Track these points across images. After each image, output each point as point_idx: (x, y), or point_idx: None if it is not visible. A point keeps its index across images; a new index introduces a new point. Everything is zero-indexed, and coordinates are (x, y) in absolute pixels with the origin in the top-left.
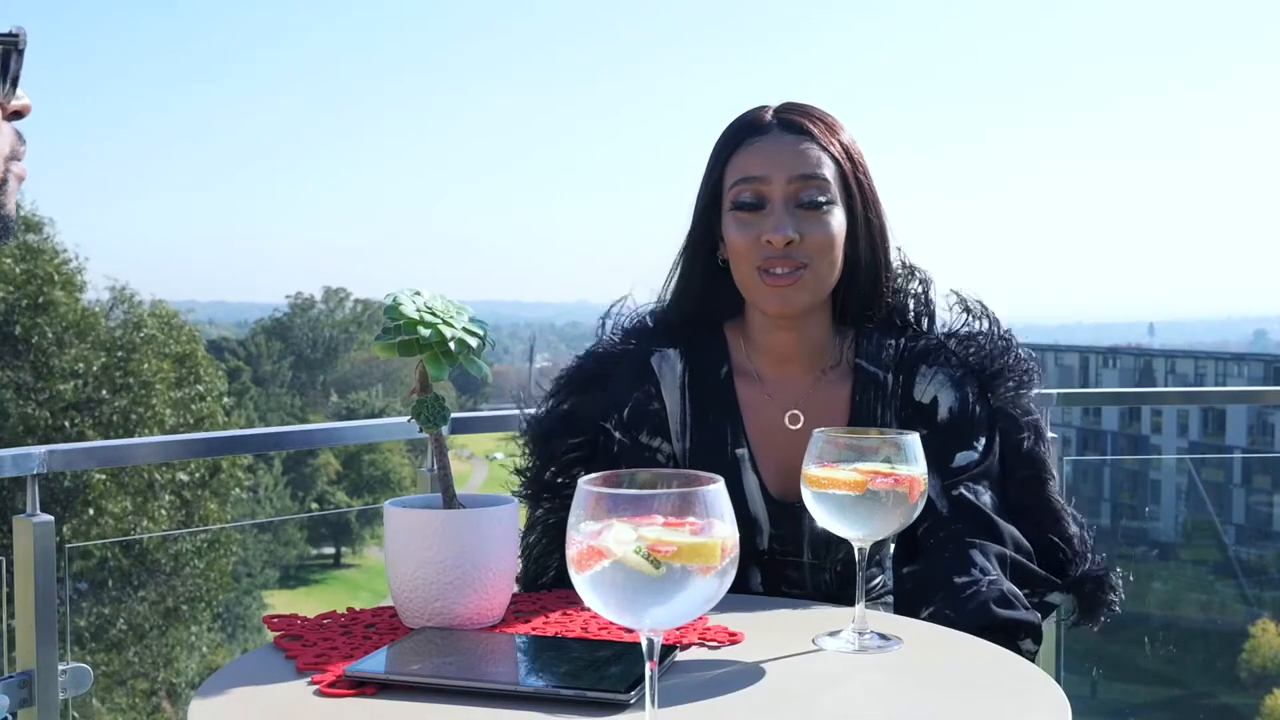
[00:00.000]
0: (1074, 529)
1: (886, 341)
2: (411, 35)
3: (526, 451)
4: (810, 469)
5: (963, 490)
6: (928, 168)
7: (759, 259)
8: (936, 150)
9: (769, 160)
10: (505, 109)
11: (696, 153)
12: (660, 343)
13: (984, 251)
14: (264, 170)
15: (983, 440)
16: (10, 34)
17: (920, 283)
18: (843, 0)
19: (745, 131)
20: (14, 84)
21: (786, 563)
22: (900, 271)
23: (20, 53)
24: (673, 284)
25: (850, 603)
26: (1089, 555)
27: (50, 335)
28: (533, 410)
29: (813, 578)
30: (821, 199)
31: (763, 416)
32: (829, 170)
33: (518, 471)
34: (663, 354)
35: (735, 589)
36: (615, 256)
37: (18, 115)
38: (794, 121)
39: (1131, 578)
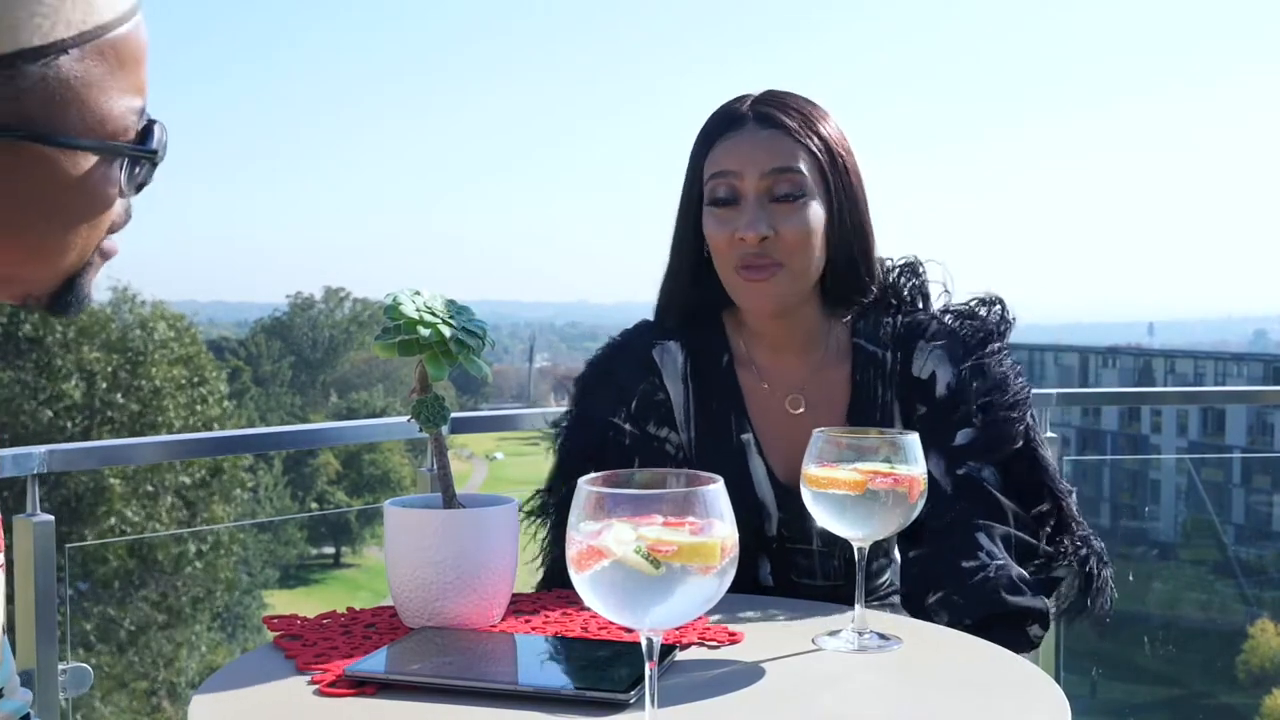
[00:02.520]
0: (1061, 503)
1: (884, 320)
2: (411, 35)
3: (555, 472)
4: (810, 469)
5: (967, 469)
6: (928, 168)
7: (735, 258)
8: (937, 150)
9: (743, 155)
10: (505, 109)
11: None
12: (660, 335)
13: (984, 251)
14: (264, 170)
15: (980, 417)
16: (151, 149)
17: (914, 272)
18: (843, 0)
19: (722, 125)
20: (139, 188)
21: (796, 550)
22: (895, 265)
23: (155, 166)
24: (666, 278)
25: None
26: (1075, 527)
27: (58, 335)
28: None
29: (822, 565)
30: (795, 193)
31: (765, 403)
32: (804, 163)
33: (547, 489)
34: (663, 346)
35: (745, 582)
36: (615, 256)
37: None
38: (769, 114)
39: (1131, 577)
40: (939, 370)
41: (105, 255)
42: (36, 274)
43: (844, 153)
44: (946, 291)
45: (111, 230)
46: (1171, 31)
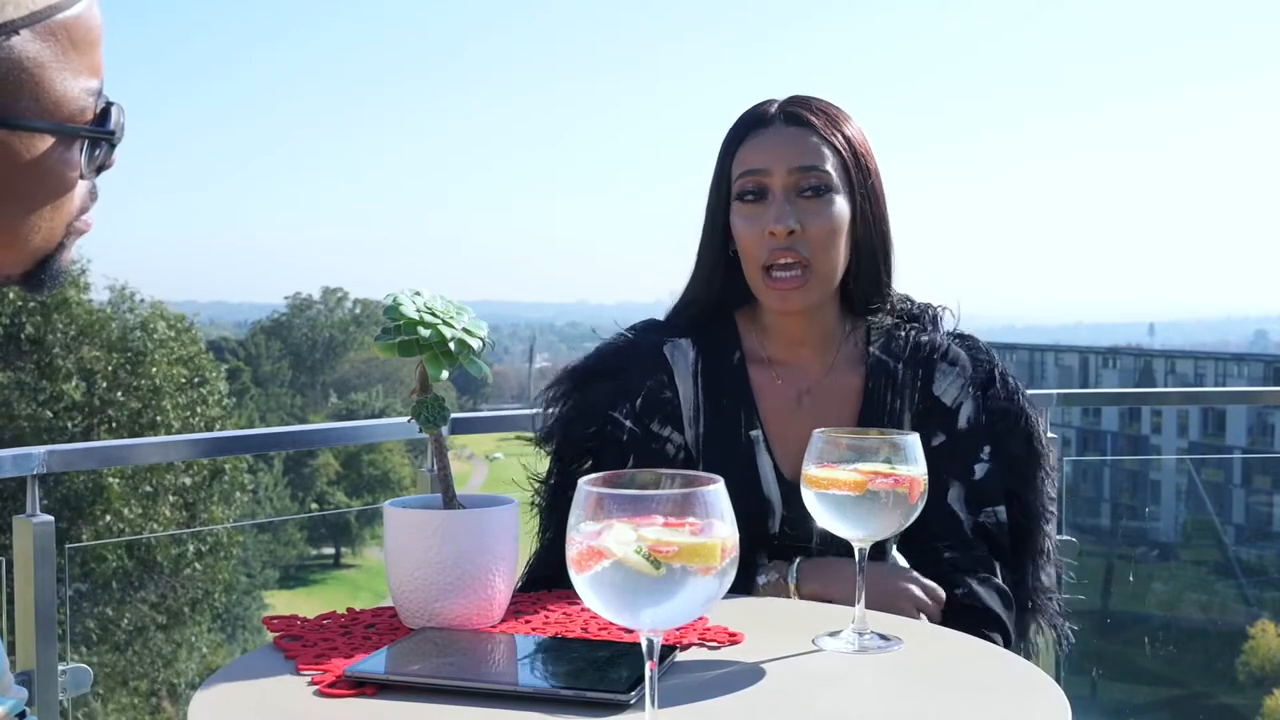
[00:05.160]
0: (1049, 572)
1: (896, 334)
2: (412, 35)
3: (543, 452)
4: (810, 469)
5: (984, 519)
6: (927, 168)
7: (763, 255)
8: (936, 150)
9: (770, 153)
10: (505, 109)
11: (696, 153)
12: (671, 333)
13: (984, 252)
14: (264, 170)
15: (987, 449)
16: (109, 130)
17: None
18: (842, 1)
19: (750, 125)
20: (100, 170)
21: (795, 549)
22: (906, 301)
23: (113, 146)
24: (690, 277)
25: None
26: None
27: (59, 335)
28: (544, 410)
29: None
30: (821, 189)
31: (776, 400)
32: (830, 161)
33: (535, 478)
34: (674, 343)
35: (742, 580)
36: (615, 256)
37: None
38: (796, 114)
39: (1132, 578)
40: (965, 401)
41: (78, 233)
42: (3, 256)
43: (866, 154)
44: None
45: (79, 212)
46: (1171, 31)
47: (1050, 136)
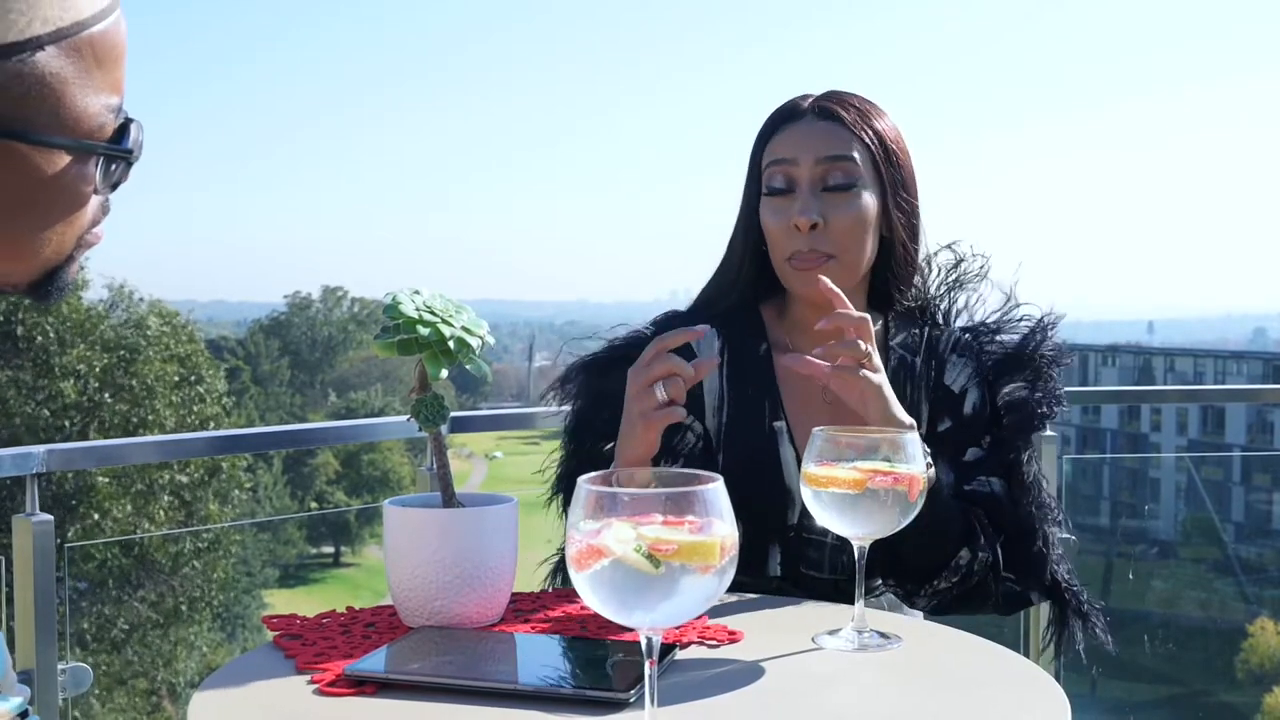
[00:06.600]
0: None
1: (913, 330)
2: (412, 35)
3: (567, 447)
4: (810, 467)
5: (975, 486)
6: (927, 168)
7: (788, 248)
8: (936, 150)
9: (798, 143)
10: (505, 109)
11: (696, 153)
12: (696, 323)
13: (983, 251)
14: (263, 170)
15: (988, 439)
16: (126, 149)
17: (956, 277)
18: (842, 1)
19: (781, 119)
20: (115, 186)
21: (810, 542)
22: (944, 260)
23: (130, 165)
24: (718, 271)
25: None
26: (1058, 568)
27: (52, 334)
28: (567, 404)
29: (831, 559)
30: (847, 182)
31: (800, 392)
32: (858, 154)
33: (560, 477)
34: None
35: (754, 572)
36: (615, 256)
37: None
38: (827, 108)
39: (1131, 576)
40: (970, 388)
41: (87, 245)
42: (12, 268)
43: (898, 148)
44: (980, 299)
45: (91, 225)
46: (1171, 30)
47: (1050, 136)
